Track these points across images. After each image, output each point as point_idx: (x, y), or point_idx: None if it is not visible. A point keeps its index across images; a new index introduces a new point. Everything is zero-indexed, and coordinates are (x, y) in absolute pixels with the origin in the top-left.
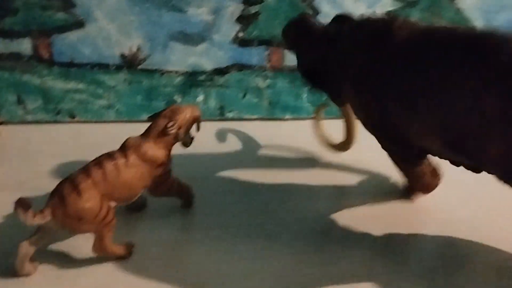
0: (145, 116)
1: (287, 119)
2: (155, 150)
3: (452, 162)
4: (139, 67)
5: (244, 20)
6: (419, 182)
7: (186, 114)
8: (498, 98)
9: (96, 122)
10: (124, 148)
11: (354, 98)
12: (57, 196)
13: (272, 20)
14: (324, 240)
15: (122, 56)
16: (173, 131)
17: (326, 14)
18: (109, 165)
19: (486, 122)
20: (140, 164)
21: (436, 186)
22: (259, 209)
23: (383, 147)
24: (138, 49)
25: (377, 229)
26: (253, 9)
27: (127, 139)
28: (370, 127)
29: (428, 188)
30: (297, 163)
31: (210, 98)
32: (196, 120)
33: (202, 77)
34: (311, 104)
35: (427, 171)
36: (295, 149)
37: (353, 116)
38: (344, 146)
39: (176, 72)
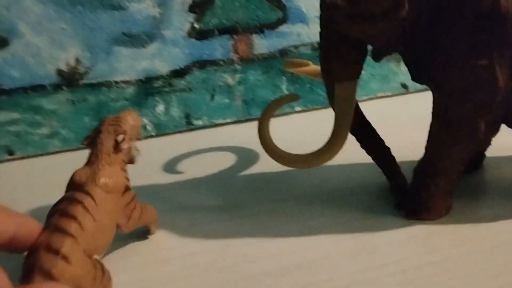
0: None
1: None
2: (114, 175)
3: None
4: (82, 82)
5: (198, 7)
6: (439, 200)
7: (129, 121)
8: None
9: (39, 155)
10: (78, 187)
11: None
12: (39, 273)
13: (231, 2)
14: None
15: (59, 72)
16: (126, 146)
17: None
18: (79, 212)
19: None
20: (106, 197)
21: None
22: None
23: (473, 138)
24: (77, 61)
25: None
26: None
27: (73, 176)
28: (484, 104)
29: (437, 212)
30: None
31: (172, 107)
32: (138, 127)
33: (158, 83)
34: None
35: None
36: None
37: (353, 105)
38: (325, 153)
39: (127, 81)
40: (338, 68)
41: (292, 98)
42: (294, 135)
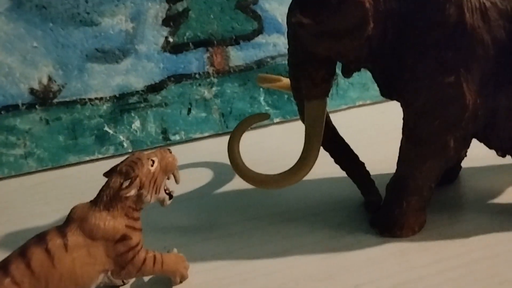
0: (72, 159)
1: None
2: (109, 222)
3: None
4: (55, 101)
5: (171, 21)
6: (412, 216)
7: (149, 165)
8: None
9: (14, 176)
10: (66, 223)
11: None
12: None
13: (205, 15)
14: None
15: (32, 91)
16: (130, 194)
17: None
18: (36, 253)
19: None
20: (90, 243)
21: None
22: None
23: (443, 155)
24: (50, 79)
25: None
26: (181, 6)
27: (73, 209)
28: (455, 116)
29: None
30: None
31: (148, 122)
32: (169, 169)
33: (133, 99)
34: (272, 106)
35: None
36: (261, 163)
37: (322, 124)
38: (296, 172)
39: (101, 98)
40: (306, 87)
41: (262, 117)
42: (273, 147)
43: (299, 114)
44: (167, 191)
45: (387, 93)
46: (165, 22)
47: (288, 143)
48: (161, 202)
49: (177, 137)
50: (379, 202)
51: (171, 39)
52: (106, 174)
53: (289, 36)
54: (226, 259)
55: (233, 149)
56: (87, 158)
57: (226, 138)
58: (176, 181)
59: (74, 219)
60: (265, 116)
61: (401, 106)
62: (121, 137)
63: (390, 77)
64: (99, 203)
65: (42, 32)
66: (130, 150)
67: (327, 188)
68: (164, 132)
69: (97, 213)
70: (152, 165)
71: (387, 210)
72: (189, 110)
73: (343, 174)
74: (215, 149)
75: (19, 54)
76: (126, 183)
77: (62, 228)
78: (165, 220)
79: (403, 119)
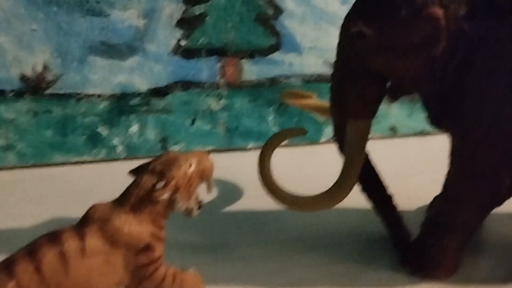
0: (58, 157)
1: (250, 149)
2: (134, 226)
3: None
4: (47, 91)
5: (186, 24)
6: (450, 256)
7: (186, 167)
8: None
9: None
10: (84, 222)
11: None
12: None
13: (223, 22)
14: None
15: (23, 78)
16: (164, 197)
17: (291, 12)
18: (48, 256)
19: None
20: (109, 249)
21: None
22: None
23: (495, 193)
24: (45, 67)
25: None
26: (198, 10)
27: (92, 207)
28: None
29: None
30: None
31: (148, 128)
32: (205, 175)
33: (135, 101)
34: (280, 128)
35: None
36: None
37: (365, 147)
38: (334, 196)
39: (99, 95)
40: (354, 104)
41: (299, 132)
42: (277, 173)
43: (335, 135)
44: (199, 200)
45: (438, 121)
46: (180, 23)
47: (294, 169)
48: (189, 211)
49: (177, 148)
50: (408, 238)
51: (183, 43)
52: (133, 172)
53: (341, 45)
54: (238, 284)
55: (264, 164)
56: (75, 159)
57: (229, 154)
58: (209, 190)
59: (94, 219)
60: (301, 131)
61: (454, 135)
62: (116, 141)
63: (446, 103)
64: (125, 204)
65: (44, 15)
66: (123, 156)
67: (348, 218)
68: (164, 140)
69: (122, 215)
70: (189, 168)
71: (422, 247)
72: (193, 121)
73: (365, 205)
74: (218, 165)
75: (15, 35)
76: (160, 184)
77: (80, 229)
78: (169, 238)
79: (454, 149)
